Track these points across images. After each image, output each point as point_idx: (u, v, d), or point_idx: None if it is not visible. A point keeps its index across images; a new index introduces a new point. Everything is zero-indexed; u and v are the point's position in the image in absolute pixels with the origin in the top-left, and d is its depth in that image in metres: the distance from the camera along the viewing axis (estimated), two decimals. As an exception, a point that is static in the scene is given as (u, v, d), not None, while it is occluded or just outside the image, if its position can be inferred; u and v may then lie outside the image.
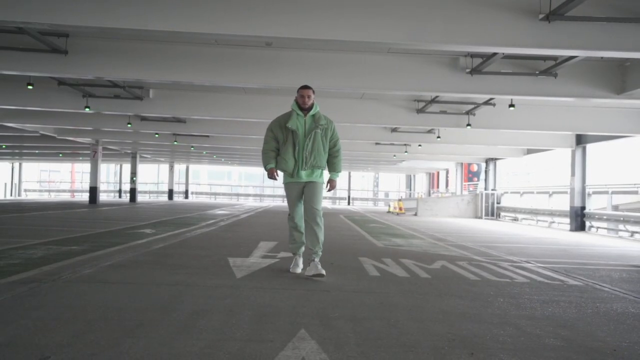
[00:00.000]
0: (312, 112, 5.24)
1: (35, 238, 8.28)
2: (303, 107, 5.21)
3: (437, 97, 12.32)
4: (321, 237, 5.24)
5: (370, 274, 5.70)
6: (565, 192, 17.66)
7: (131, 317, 3.46)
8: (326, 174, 5.49)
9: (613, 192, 15.94)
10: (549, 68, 8.77)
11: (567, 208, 16.99)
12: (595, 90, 9.28)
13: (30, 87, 10.94)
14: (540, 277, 5.93)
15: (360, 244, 9.37)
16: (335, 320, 3.59)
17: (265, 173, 5.51)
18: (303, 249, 5.47)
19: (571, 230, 16.33)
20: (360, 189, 51.02)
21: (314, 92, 5.31)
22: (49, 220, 13.19)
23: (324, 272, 5.11)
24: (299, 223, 5.39)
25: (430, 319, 3.71)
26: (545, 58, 8.74)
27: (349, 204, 41.59)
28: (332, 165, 5.39)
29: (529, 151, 21.07)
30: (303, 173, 5.28)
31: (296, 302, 4.06)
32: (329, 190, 5.40)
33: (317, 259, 5.21)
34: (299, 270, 5.42)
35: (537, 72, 8.96)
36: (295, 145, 5.21)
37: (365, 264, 6.45)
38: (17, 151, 34.15)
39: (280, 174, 5.45)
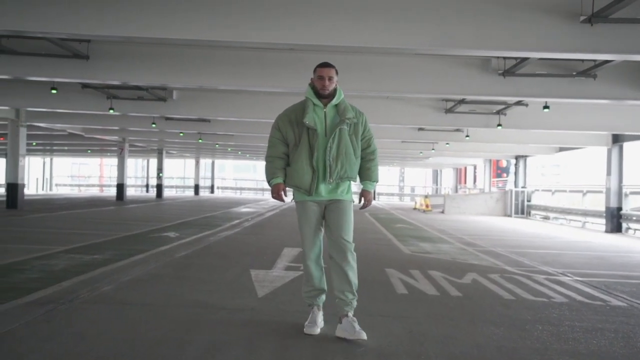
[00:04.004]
0: (334, 101, 3.78)
1: (59, 244, 8.24)
2: (322, 93, 3.75)
3: (466, 97, 11.90)
4: (354, 279, 3.77)
5: (398, 292, 5.44)
6: (600, 192, 17.00)
7: (145, 352, 3.28)
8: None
9: (651, 193, 15.27)
10: (588, 69, 8.30)
11: (601, 208, 16.36)
12: (636, 92, 8.74)
13: (54, 91, 10.96)
14: (580, 296, 5.57)
15: (386, 250, 9.10)
16: (361, 356, 3.35)
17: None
18: (324, 297, 3.91)
19: (606, 231, 15.71)
20: (386, 183, 50.53)
21: (337, 72, 3.81)
22: (75, 221, 13.25)
23: (364, 335, 3.58)
24: (316, 263, 3.85)
25: (464, 356, 3.44)
26: (584, 59, 8.27)
27: (374, 198, 41.16)
28: (366, 172, 3.89)
29: (561, 149, 20.40)
30: (323, 188, 3.76)
31: (320, 330, 3.82)
32: (364, 207, 3.91)
33: (351, 313, 3.74)
34: (317, 329, 3.77)
35: (574, 73, 8.49)
36: (312, 148, 3.73)
37: (392, 278, 6.19)
38: (47, 148, 34.83)
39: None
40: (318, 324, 3.82)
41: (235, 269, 6.48)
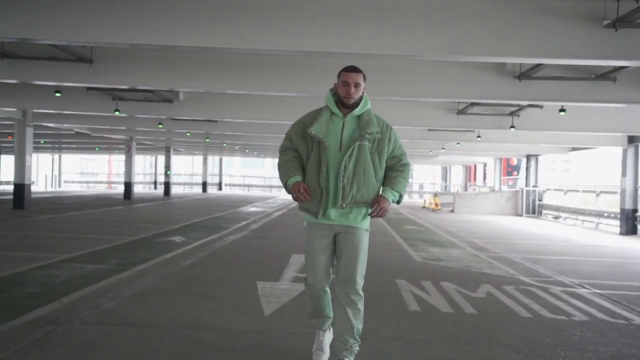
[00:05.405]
0: (357, 111, 3.24)
1: (63, 251, 8.08)
2: (346, 101, 3.22)
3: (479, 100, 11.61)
4: (358, 323, 3.29)
5: (410, 309, 5.22)
6: (614, 192, 16.65)
7: (144, 387, 3.09)
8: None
9: (668, 194, 14.90)
10: (607, 72, 7.99)
11: (615, 209, 16.01)
12: (657, 95, 8.42)
13: (58, 94, 10.81)
14: (601, 313, 5.33)
15: (396, 256, 8.88)
16: (373, 391, 3.14)
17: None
18: (330, 321, 3.50)
19: (621, 233, 15.38)
20: (394, 180, 50.08)
21: (365, 78, 3.27)
22: (82, 224, 13.11)
23: None
24: (321, 291, 3.40)
25: (483, 390, 3.23)
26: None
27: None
28: (391, 179, 3.31)
29: (574, 148, 20.03)
30: (333, 212, 3.24)
31: (328, 356, 3.60)
32: (374, 215, 3.27)
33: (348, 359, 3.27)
34: (325, 356, 3.46)
35: (593, 76, 8.18)
36: (321, 165, 3.22)
37: (404, 291, 5.98)
38: (56, 146, 34.87)
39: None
40: (325, 351, 3.49)
41: (241, 280, 6.30)
